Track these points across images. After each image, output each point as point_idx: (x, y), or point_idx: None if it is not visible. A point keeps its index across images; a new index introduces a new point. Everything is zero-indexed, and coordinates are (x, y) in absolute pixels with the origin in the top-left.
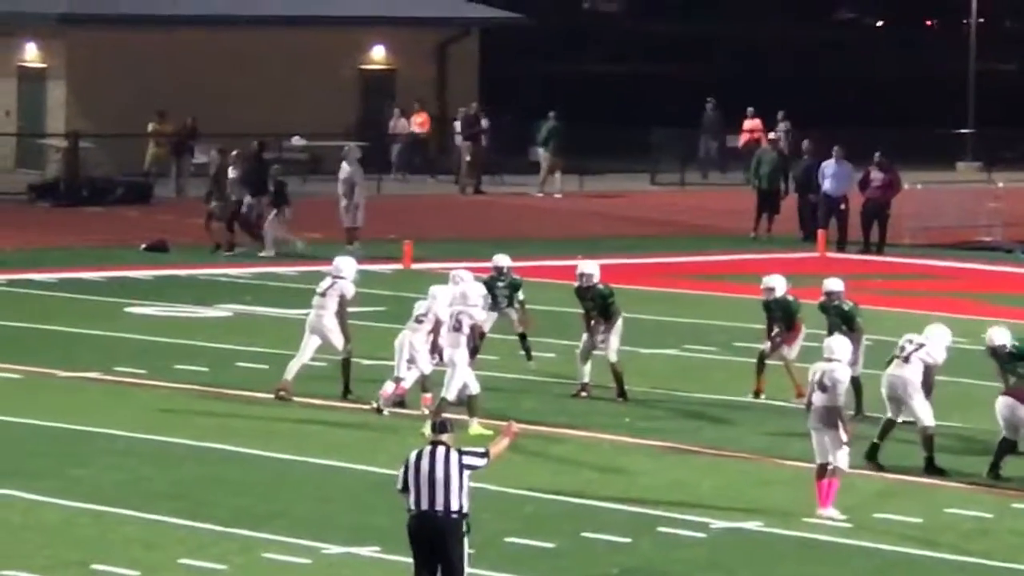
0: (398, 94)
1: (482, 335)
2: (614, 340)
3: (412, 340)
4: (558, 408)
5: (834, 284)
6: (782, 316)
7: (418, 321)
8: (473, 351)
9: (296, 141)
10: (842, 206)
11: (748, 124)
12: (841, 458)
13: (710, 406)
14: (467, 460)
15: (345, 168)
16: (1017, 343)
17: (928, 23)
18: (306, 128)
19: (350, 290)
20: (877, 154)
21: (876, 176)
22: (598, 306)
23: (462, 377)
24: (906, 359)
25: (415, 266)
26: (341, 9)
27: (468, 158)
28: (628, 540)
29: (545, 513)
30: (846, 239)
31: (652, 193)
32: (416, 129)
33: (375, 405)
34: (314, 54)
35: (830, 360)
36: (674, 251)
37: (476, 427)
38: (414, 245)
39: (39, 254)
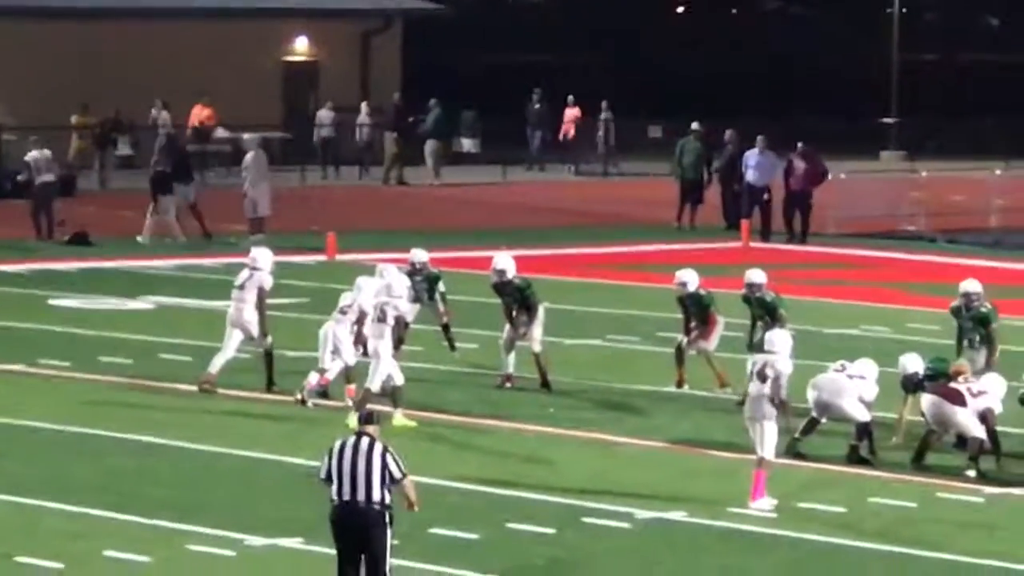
0: (321, 85)
1: (406, 326)
2: (536, 330)
3: (336, 331)
4: (482, 399)
5: (756, 275)
6: (696, 311)
7: (342, 312)
8: (397, 342)
9: (219, 133)
10: (765, 196)
11: (569, 114)
12: (768, 449)
13: (634, 396)
14: (389, 463)
15: (247, 159)
16: (931, 365)
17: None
18: (229, 120)
19: (268, 281)
20: (799, 144)
21: (799, 165)
22: (517, 299)
23: (386, 368)
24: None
25: (339, 257)
26: (264, 1)
27: (395, 150)
28: (553, 531)
29: (470, 504)
30: (770, 229)
31: (574, 183)
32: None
33: (299, 397)
34: (237, 45)
35: (771, 352)
36: (597, 241)
37: (400, 418)
38: (337, 237)
39: None
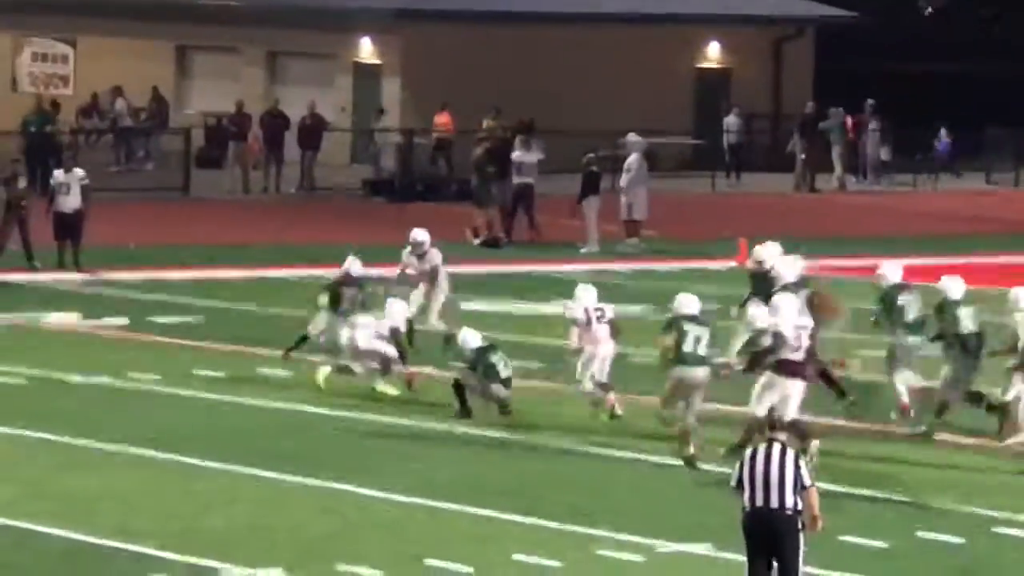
0: (732, 93)
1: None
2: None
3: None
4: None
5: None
6: None
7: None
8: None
9: (632, 138)
10: None
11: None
12: None
13: None
14: (802, 469)
15: (630, 160)
16: None
17: None
18: (641, 126)
19: None
20: None
21: None
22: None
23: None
24: None
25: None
26: (676, 7)
27: (803, 156)
28: (963, 540)
29: (879, 512)
30: None
31: (987, 192)
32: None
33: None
34: (649, 52)
35: None
36: (1014, 249)
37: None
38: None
39: None
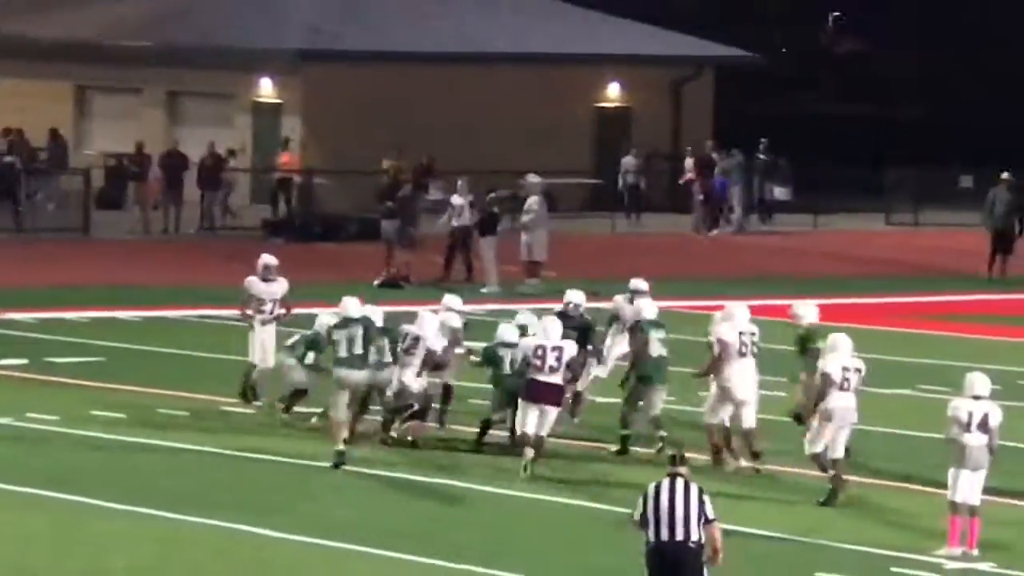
0: (633, 132)
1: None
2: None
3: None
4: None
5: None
6: None
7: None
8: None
9: (531, 179)
10: None
11: (688, 163)
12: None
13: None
14: (706, 503)
15: (530, 202)
16: None
17: None
18: (540, 166)
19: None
20: None
21: None
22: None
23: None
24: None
25: None
26: (576, 47)
27: (701, 197)
28: None
29: (776, 552)
30: None
31: (885, 233)
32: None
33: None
34: (549, 91)
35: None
36: (906, 291)
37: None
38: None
39: None
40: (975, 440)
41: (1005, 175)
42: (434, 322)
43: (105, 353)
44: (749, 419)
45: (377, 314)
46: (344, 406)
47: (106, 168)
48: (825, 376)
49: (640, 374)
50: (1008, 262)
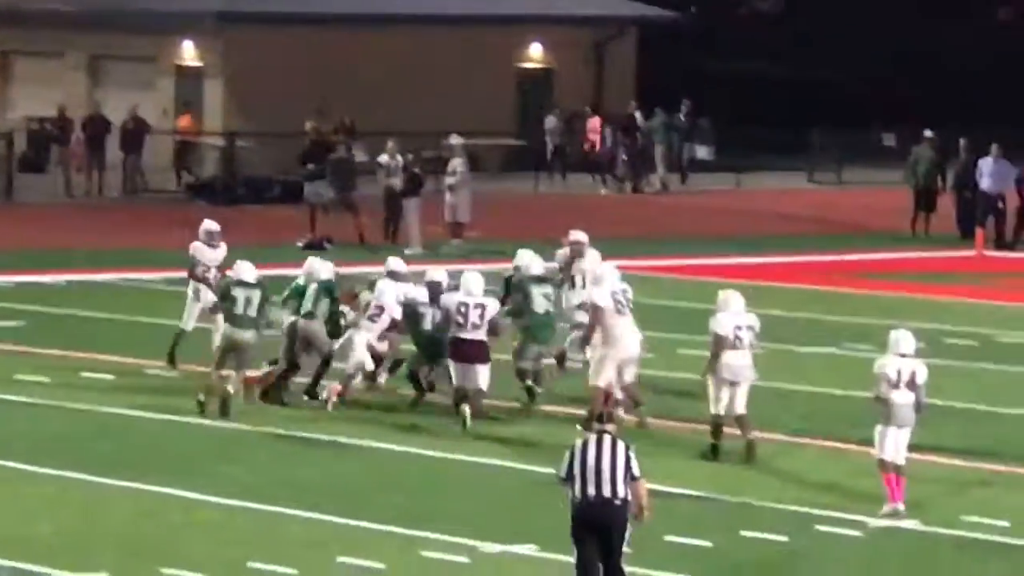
0: (555, 93)
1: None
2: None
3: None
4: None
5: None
6: None
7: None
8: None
9: (454, 140)
10: (1000, 204)
11: (590, 124)
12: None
13: (868, 405)
14: (632, 460)
15: (453, 163)
16: None
17: None
18: (465, 127)
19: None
20: None
21: None
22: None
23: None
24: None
25: None
26: (498, 8)
27: (624, 157)
28: (786, 538)
29: (703, 511)
30: (1004, 238)
31: (808, 191)
32: None
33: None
34: (471, 52)
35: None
36: (830, 249)
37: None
38: None
39: None
40: (902, 398)
41: (928, 133)
42: (393, 290)
43: (28, 317)
44: (630, 374)
45: (328, 269)
46: (223, 360)
47: (29, 132)
48: (716, 336)
49: (523, 327)
50: (931, 220)
